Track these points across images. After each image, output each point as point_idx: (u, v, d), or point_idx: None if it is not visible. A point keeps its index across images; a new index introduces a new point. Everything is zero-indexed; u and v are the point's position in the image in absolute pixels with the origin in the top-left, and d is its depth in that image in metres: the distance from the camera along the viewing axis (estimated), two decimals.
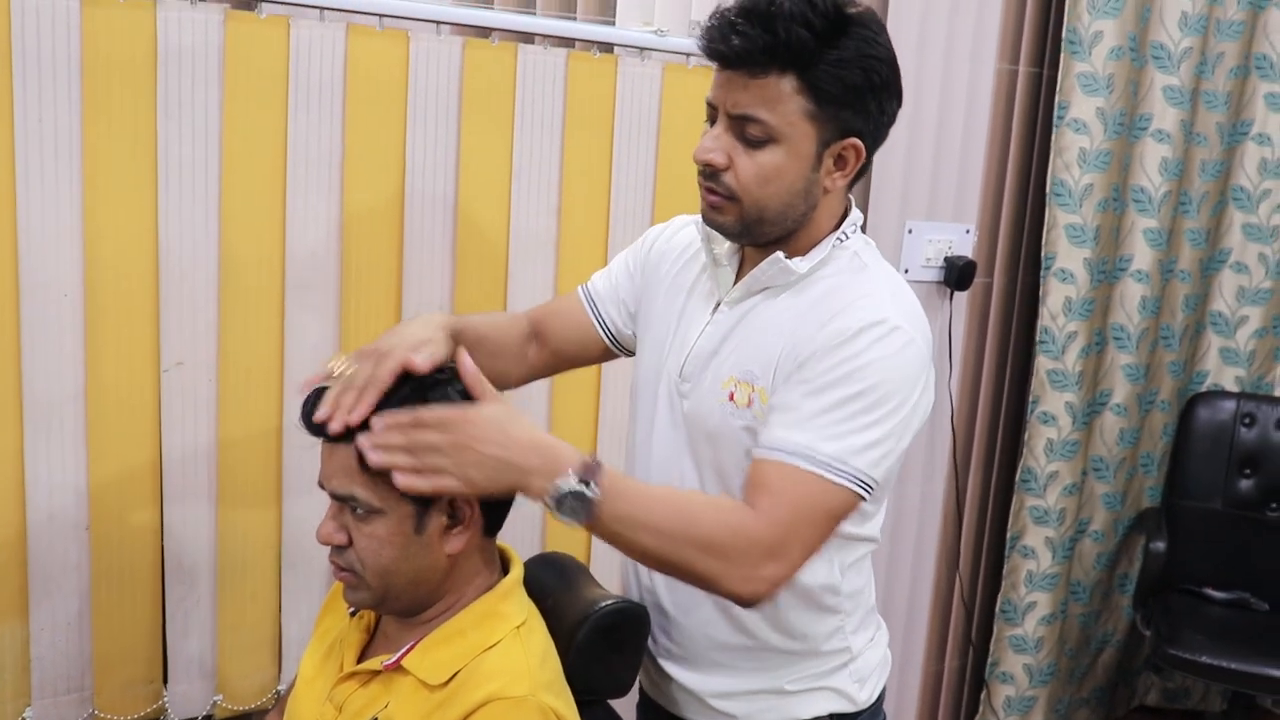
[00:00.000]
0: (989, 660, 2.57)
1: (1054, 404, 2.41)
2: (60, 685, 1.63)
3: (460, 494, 1.03)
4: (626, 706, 1.34)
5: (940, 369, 2.28)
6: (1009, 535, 2.50)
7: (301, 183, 1.64)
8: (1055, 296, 2.36)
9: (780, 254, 1.14)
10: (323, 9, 1.59)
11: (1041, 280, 2.36)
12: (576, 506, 0.97)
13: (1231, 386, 2.58)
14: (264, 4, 1.57)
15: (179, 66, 1.53)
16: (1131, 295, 2.44)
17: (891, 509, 1.11)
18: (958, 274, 2.28)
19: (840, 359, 1.07)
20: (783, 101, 1.06)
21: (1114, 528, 2.58)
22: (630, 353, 1.38)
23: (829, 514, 1.06)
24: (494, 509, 1.13)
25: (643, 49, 1.84)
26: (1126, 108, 2.32)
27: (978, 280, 2.36)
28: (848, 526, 1.15)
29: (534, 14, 1.84)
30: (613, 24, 1.88)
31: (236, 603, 1.72)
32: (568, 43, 1.79)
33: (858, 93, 1.07)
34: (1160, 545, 2.46)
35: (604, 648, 1.21)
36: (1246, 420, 2.55)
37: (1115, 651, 2.72)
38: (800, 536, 1.04)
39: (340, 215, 1.68)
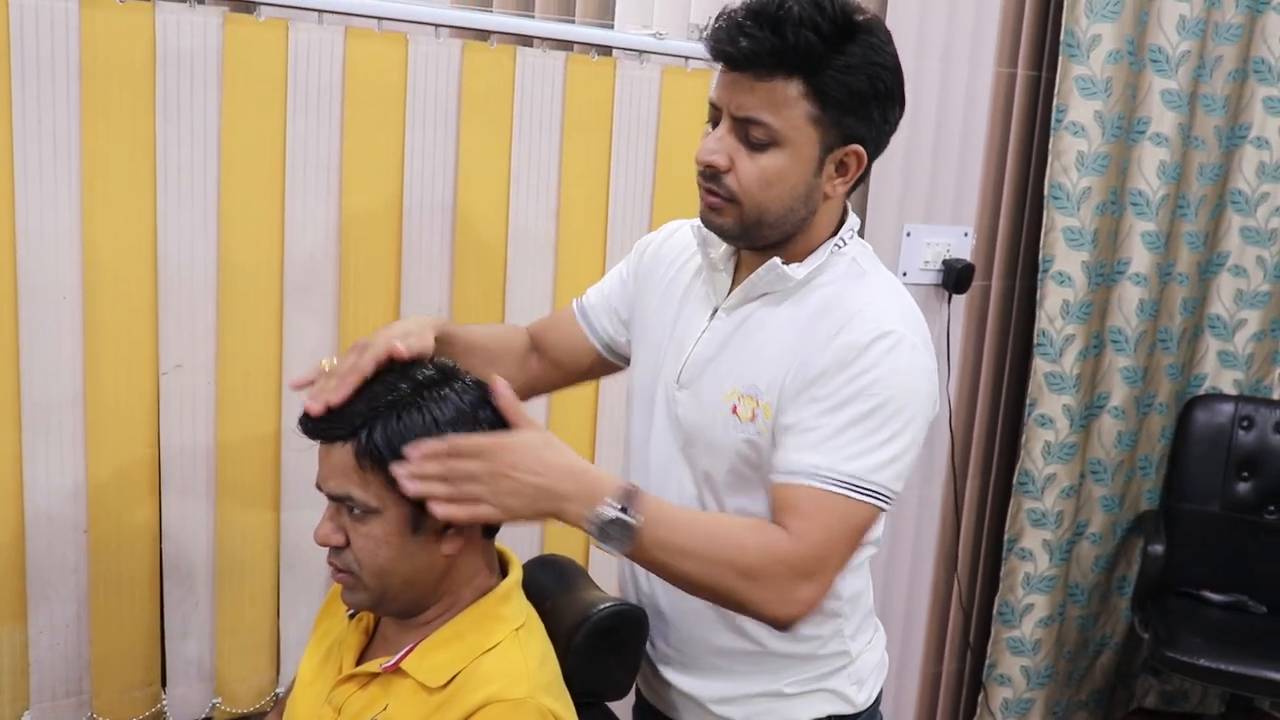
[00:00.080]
0: (987, 662, 2.57)
1: (1052, 407, 2.41)
2: (59, 688, 1.63)
3: (498, 521, 1.03)
4: (624, 710, 1.34)
5: (938, 372, 2.28)
6: (1007, 538, 2.50)
7: (300, 185, 1.63)
8: (1053, 299, 2.36)
9: (777, 259, 1.14)
10: (321, 12, 1.59)
11: (1039, 283, 2.36)
12: (620, 534, 0.98)
13: (1229, 389, 2.58)
14: (263, 7, 1.57)
15: (178, 69, 1.53)
16: (1129, 298, 2.44)
17: (890, 512, 1.12)
18: (956, 277, 2.28)
19: (852, 375, 1.08)
20: (788, 105, 1.06)
21: (1112, 530, 2.58)
22: (628, 363, 1.38)
23: (857, 531, 1.09)
24: None
25: (641, 52, 1.84)
26: (1125, 111, 2.32)
27: (976, 283, 2.36)
28: None
29: (533, 17, 1.84)
30: (611, 27, 1.89)
31: (235, 605, 1.72)
32: (566, 46, 1.79)
33: (862, 99, 1.08)
34: (1158, 548, 2.46)
35: (602, 650, 1.22)
36: (1244, 423, 2.55)
37: (1113, 654, 2.72)
38: (833, 556, 1.07)
39: (339, 218, 1.67)
